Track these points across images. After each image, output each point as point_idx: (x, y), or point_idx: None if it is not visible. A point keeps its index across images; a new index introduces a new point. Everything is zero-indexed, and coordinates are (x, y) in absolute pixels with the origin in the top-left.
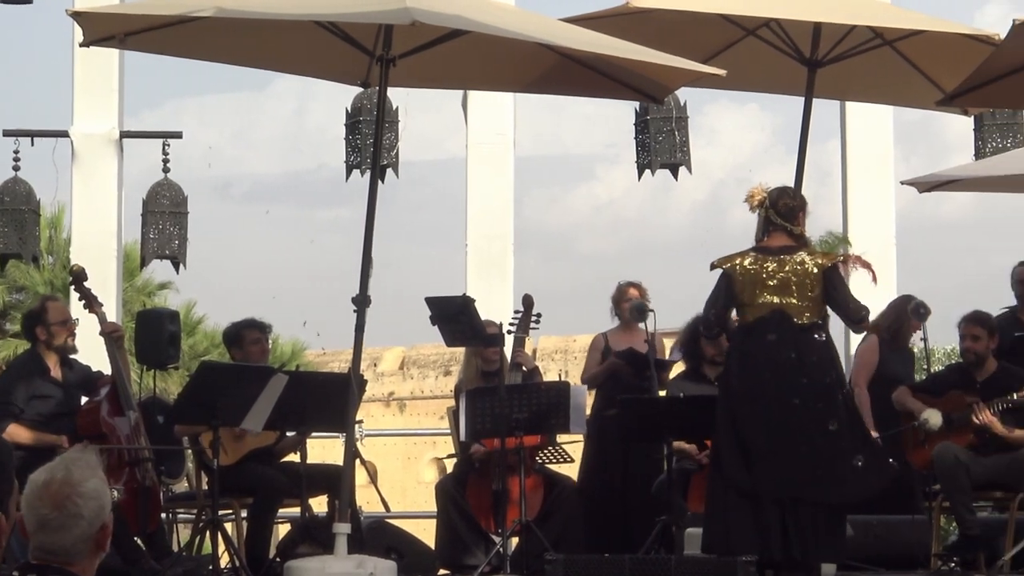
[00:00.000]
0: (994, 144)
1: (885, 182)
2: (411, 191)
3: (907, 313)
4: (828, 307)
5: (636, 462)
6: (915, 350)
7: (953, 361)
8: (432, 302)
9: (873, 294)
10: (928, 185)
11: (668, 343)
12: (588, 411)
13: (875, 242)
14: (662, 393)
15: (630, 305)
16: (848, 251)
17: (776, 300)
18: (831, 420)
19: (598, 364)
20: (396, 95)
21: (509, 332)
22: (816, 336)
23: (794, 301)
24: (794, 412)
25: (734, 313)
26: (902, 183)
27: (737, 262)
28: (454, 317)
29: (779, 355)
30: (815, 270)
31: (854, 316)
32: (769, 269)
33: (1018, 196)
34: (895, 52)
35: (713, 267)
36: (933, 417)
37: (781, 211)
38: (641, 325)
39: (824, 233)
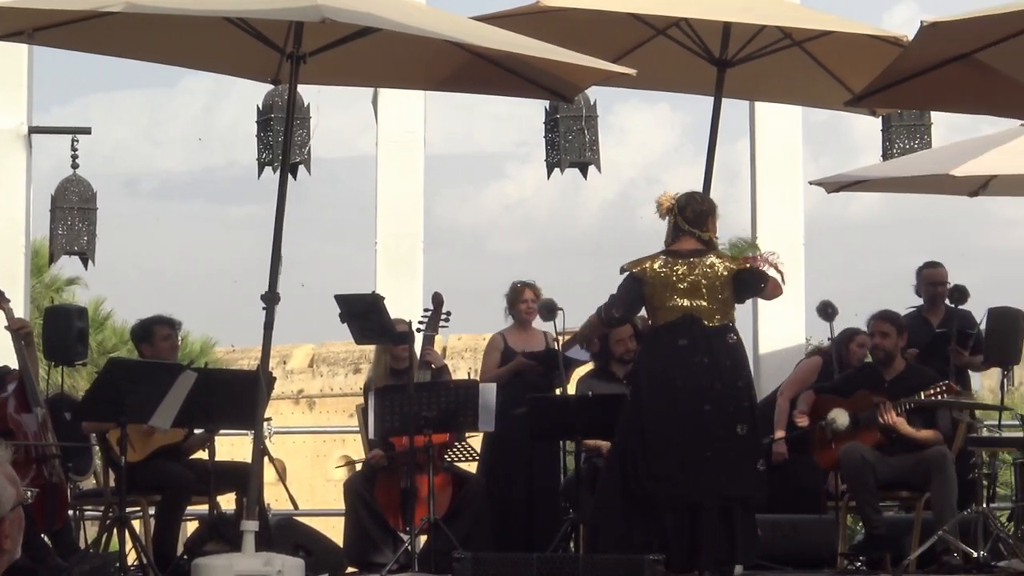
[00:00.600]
0: (901, 145)
1: (794, 182)
2: (322, 188)
3: (845, 345)
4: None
5: (541, 460)
6: None
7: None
8: (341, 299)
9: (782, 296)
10: (836, 185)
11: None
12: None
13: (783, 242)
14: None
15: (539, 303)
16: (757, 253)
17: (687, 303)
18: (740, 424)
19: (498, 364)
20: (307, 92)
21: (419, 330)
22: (728, 338)
23: (704, 304)
24: (704, 419)
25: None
26: (810, 183)
27: (647, 266)
28: (363, 314)
29: (691, 359)
30: (725, 273)
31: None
32: (679, 272)
33: (924, 197)
34: (804, 52)
35: (623, 271)
36: (840, 417)
37: (689, 217)
38: (547, 324)
39: (734, 238)
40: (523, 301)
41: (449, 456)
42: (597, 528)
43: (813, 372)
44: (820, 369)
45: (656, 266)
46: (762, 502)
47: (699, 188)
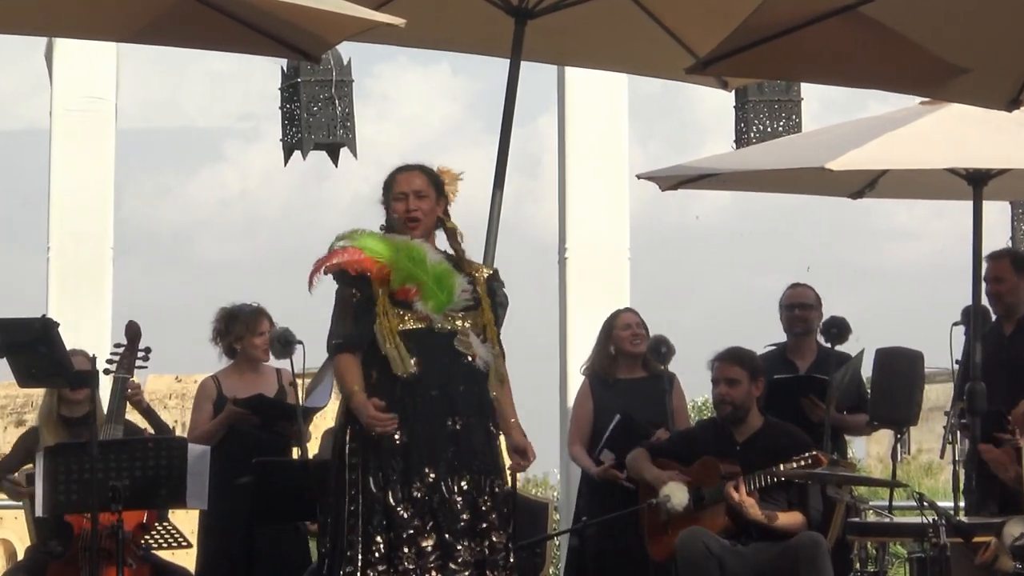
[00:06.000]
0: (760, 127)
1: (617, 174)
2: None
3: (607, 334)
4: None
5: (261, 541)
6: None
7: (706, 416)
8: (1, 326)
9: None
10: (673, 181)
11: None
12: None
13: (602, 254)
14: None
15: (272, 334)
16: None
17: None
18: None
19: (211, 417)
20: None
21: (107, 371)
22: None
23: None
24: None
25: None
26: (638, 177)
27: None
28: (30, 347)
29: None
30: None
31: None
32: None
33: (791, 198)
34: (632, 2)
35: None
36: (677, 493)
37: None
38: (283, 362)
39: None
40: (259, 334)
41: (148, 541)
42: None
43: (586, 395)
44: (589, 387)
45: None
46: None
47: (489, 175)
